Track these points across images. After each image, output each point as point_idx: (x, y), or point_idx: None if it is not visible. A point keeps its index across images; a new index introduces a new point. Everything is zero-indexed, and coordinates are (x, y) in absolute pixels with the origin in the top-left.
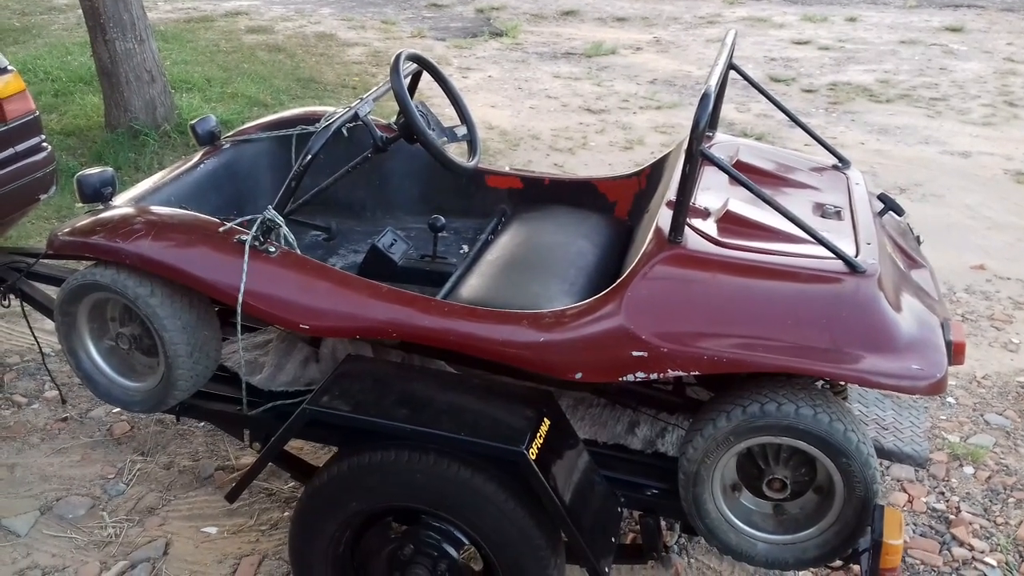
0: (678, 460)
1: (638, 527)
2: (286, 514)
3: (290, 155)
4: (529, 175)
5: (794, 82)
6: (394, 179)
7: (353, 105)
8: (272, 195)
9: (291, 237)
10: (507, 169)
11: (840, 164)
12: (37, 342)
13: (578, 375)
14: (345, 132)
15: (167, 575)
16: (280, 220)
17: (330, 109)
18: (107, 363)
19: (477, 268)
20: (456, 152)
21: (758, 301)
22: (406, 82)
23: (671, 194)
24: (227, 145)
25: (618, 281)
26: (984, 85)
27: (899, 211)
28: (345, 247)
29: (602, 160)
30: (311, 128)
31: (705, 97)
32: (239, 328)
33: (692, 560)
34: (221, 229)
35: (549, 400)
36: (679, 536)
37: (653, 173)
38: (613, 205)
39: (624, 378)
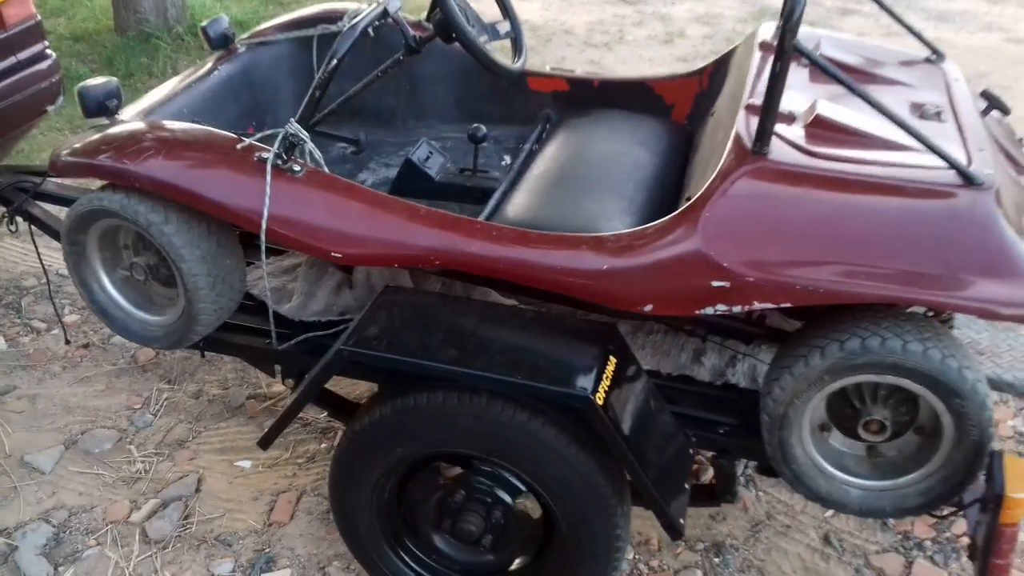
0: (761, 399)
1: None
2: (323, 445)
3: (311, 58)
4: (576, 77)
5: None
6: (427, 83)
7: (380, 0)
8: (293, 103)
9: (317, 153)
10: (548, 69)
11: (934, 57)
12: (45, 272)
13: (647, 308)
14: (371, 32)
15: (200, 514)
16: (304, 135)
17: (353, 6)
18: (122, 295)
19: (523, 183)
20: (498, 53)
21: (858, 221)
22: None
23: (749, 96)
24: (242, 49)
25: (693, 199)
26: None
27: (1005, 109)
28: (375, 160)
29: (641, 55)
30: (333, 28)
31: None
32: (263, 256)
33: (760, 493)
34: (239, 146)
35: (614, 334)
36: (745, 467)
37: (716, 72)
38: (670, 108)
39: (702, 311)
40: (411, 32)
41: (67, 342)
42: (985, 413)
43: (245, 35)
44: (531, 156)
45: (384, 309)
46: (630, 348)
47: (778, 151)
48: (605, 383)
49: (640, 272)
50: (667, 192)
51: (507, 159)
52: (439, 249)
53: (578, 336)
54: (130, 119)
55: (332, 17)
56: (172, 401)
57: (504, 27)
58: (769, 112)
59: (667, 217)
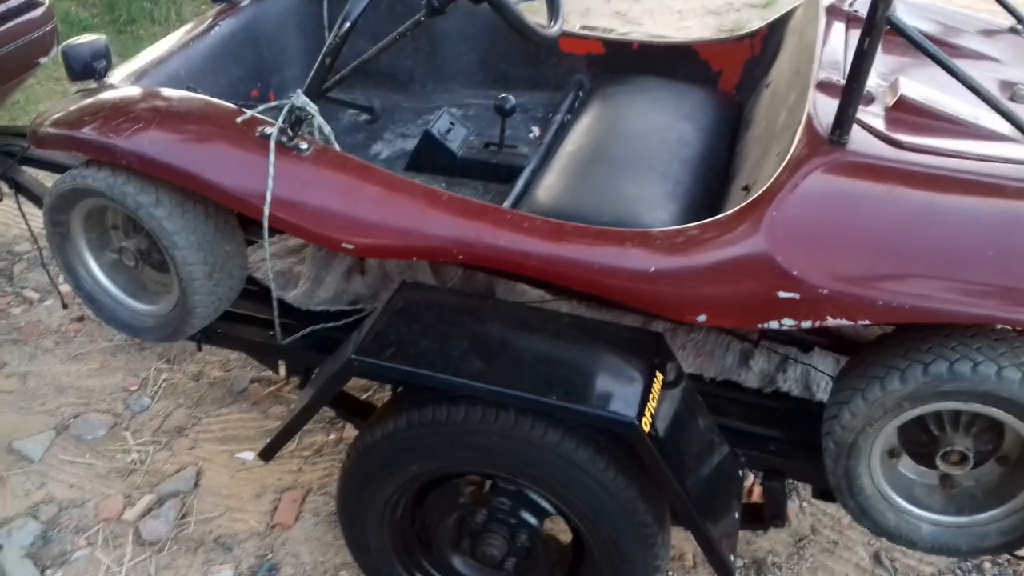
0: (825, 421)
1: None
2: (331, 436)
3: (322, 12)
4: (613, 38)
5: None
6: (447, 43)
7: None
8: (302, 63)
9: (327, 129)
10: (579, 29)
11: (1020, 26)
12: (35, 239)
13: (700, 318)
14: None
15: (199, 512)
16: (313, 108)
17: None
18: (111, 280)
19: (555, 162)
20: (528, 14)
21: (954, 226)
22: None
23: (820, 71)
24: (246, 2)
25: (755, 192)
26: None
27: None
28: (391, 130)
29: (670, 7)
30: None
31: None
32: (267, 243)
33: (804, 504)
34: (240, 119)
35: (660, 345)
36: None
37: (770, 36)
38: (718, 75)
39: (765, 325)
40: None
41: (64, 306)
42: None
43: None
44: (563, 129)
45: (400, 311)
46: (676, 358)
47: (859, 141)
48: (652, 405)
49: (693, 276)
50: (715, 174)
51: (535, 130)
52: (463, 241)
53: (621, 348)
54: (120, 83)
55: None
56: (171, 383)
57: None
58: (852, 95)
59: (725, 214)
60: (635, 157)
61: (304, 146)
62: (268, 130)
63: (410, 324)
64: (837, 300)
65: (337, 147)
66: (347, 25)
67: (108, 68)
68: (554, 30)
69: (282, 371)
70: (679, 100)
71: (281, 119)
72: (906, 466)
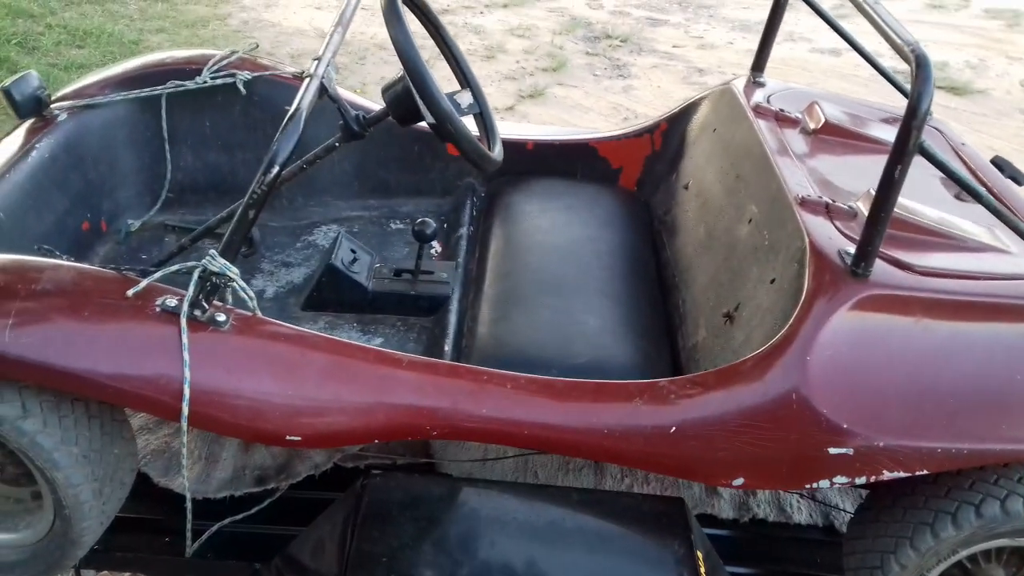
0: (858, 570)
1: None
2: None
3: (159, 122)
4: (505, 138)
5: None
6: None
7: (309, 70)
8: (137, 182)
9: (249, 292)
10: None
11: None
12: None
13: (738, 481)
14: (243, 88)
15: None
16: (234, 272)
17: (215, 52)
18: None
19: (486, 292)
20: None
21: (984, 357)
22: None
23: (787, 186)
24: (63, 116)
25: (780, 335)
26: None
27: (1020, 180)
28: (268, 259)
29: None
30: (189, 84)
31: (922, 63)
32: (184, 447)
33: None
34: (131, 292)
35: (685, 513)
36: None
37: (671, 130)
38: (617, 173)
39: (815, 484)
40: (353, 112)
41: None
42: None
43: (60, 94)
44: (473, 245)
45: (374, 515)
46: (696, 522)
47: (876, 269)
48: None
49: (724, 435)
50: (654, 285)
51: (436, 246)
52: (438, 413)
53: (649, 525)
54: None
55: (186, 70)
56: None
57: (465, 98)
58: (878, 225)
59: (745, 359)
60: (578, 279)
61: (221, 318)
62: (171, 302)
63: (395, 536)
64: (894, 452)
65: (260, 314)
66: (275, 169)
67: None
68: (496, 150)
69: None
70: (592, 205)
71: (192, 289)
72: None
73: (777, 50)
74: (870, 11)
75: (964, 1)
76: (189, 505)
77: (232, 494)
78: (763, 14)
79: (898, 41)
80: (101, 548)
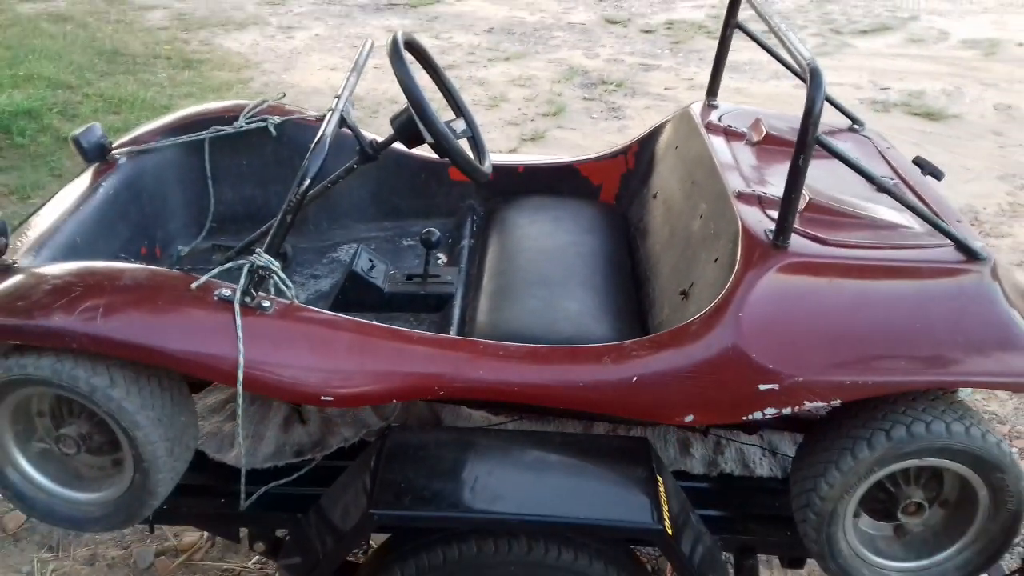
0: (798, 495)
1: None
2: None
3: (203, 163)
4: (499, 163)
5: (630, 23)
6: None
7: (334, 108)
8: (184, 215)
9: (288, 283)
10: None
11: (857, 126)
12: None
13: (689, 417)
14: (273, 130)
15: None
16: (276, 266)
17: (247, 101)
18: (42, 473)
19: (485, 287)
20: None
21: (886, 308)
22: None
23: (728, 184)
24: (122, 159)
25: (718, 299)
26: (807, 14)
27: (938, 175)
28: (300, 273)
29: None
30: (229, 129)
31: (815, 75)
32: (240, 408)
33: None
34: (194, 285)
35: (649, 449)
36: None
37: (641, 150)
38: (598, 189)
39: (750, 416)
40: (367, 138)
41: None
42: (1022, 483)
43: (121, 141)
44: (473, 253)
45: (399, 458)
46: (661, 460)
47: (795, 243)
48: (664, 508)
49: (677, 380)
50: (629, 279)
51: (442, 257)
52: (443, 377)
53: (617, 457)
54: (24, 261)
55: (225, 116)
56: (61, 572)
57: (459, 125)
58: (790, 204)
59: (691, 320)
60: (563, 274)
61: (266, 304)
62: (226, 292)
63: (413, 469)
64: (811, 386)
65: (297, 302)
66: (307, 182)
67: (7, 246)
68: (487, 165)
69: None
70: (576, 216)
71: (242, 280)
72: (864, 523)
73: (763, 87)
74: (779, 33)
75: (943, 34)
76: (243, 463)
77: (275, 464)
78: (747, 55)
79: (798, 57)
80: (168, 508)
